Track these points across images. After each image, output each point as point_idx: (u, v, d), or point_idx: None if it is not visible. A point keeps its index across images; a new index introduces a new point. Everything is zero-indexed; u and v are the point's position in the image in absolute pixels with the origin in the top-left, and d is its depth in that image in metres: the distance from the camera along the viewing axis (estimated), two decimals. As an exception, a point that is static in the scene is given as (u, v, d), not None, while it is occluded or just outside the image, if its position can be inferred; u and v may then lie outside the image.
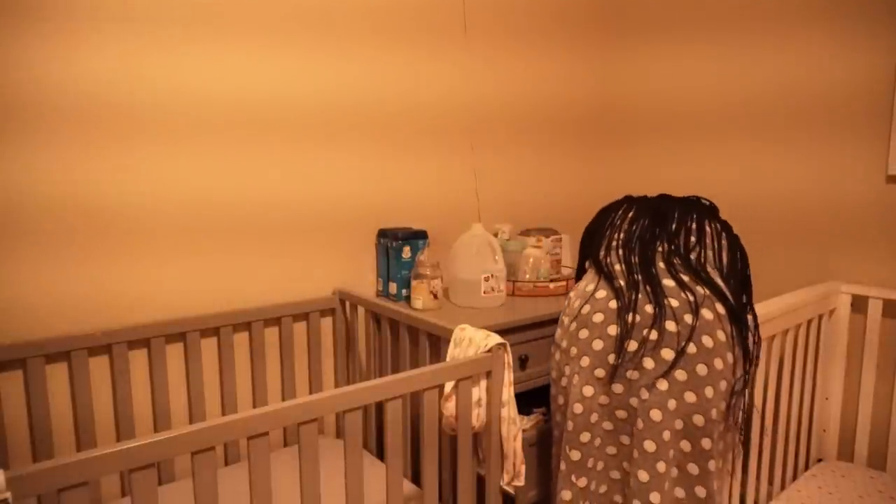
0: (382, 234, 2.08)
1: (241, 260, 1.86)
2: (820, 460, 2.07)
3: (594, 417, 1.47)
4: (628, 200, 1.82)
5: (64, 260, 1.59)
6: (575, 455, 1.47)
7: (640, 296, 1.49)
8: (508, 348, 1.47)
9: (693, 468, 1.41)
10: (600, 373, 1.46)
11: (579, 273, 1.82)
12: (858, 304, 2.00)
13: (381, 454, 1.99)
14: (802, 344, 1.90)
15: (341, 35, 1.98)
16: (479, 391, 1.48)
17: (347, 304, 2.04)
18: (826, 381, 2.05)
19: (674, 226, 1.67)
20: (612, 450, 1.48)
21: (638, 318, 1.46)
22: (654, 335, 1.43)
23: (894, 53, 1.89)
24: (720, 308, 1.48)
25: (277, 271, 1.93)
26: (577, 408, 1.47)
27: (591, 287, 1.58)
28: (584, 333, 1.50)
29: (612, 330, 1.46)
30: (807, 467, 2.04)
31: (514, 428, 1.48)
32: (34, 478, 0.90)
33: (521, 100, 2.48)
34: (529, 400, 2.05)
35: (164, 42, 1.67)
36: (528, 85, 2.49)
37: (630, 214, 1.75)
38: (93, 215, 1.62)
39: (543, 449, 1.80)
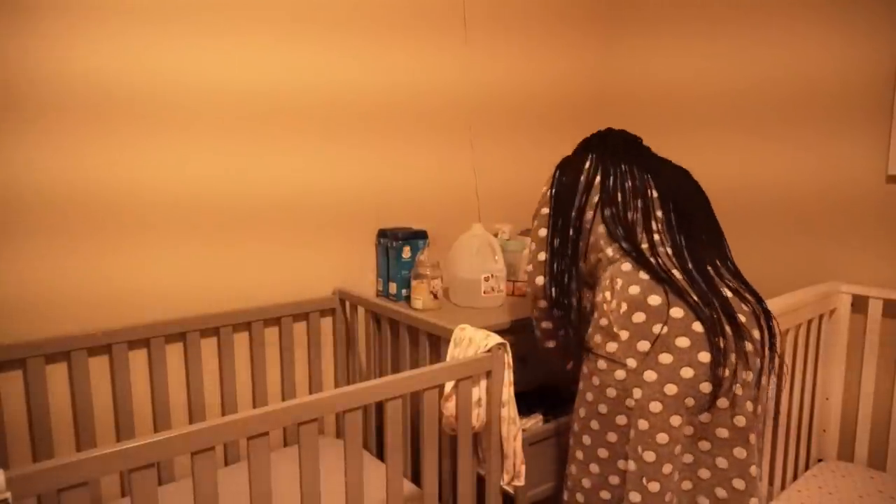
0: (382, 234, 2.08)
1: (241, 259, 1.86)
2: (820, 460, 2.07)
3: (678, 449, 1.34)
4: (602, 159, 1.56)
5: (62, 258, 1.59)
6: (654, 487, 1.33)
7: (716, 314, 1.35)
8: (508, 348, 1.47)
9: (754, 470, 1.36)
10: (690, 402, 1.32)
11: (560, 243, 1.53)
12: (858, 304, 2.00)
13: (381, 454, 1.99)
14: (802, 344, 1.90)
15: (342, 29, 1.98)
16: (478, 391, 1.47)
17: (347, 304, 2.04)
18: (826, 381, 2.04)
19: (701, 213, 1.51)
20: (687, 485, 1.37)
21: (723, 341, 1.33)
22: (737, 357, 1.33)
23: (895, 52, 1.88)
24: (758, 310, 1.41)
25: (277, 271, 1.93)
26: (663, 438, 1.32)
27: (656, 301, 1.36)
28: (666, 358, 1.33)
29: (704, 357, 1.31)
30: (807, 467, 2.04)
31: (514, 428, 1.47)
32: (34, 478, 0.90)
33: (521, 96, 2.47)
34: (529, 400, 2.05)
35: (164, 35, 1.67)
36: (527, 80, 2.48)
37: (629, 183, 1.52)
38: (92, 212, 1.62)
39: (543, 449, 1.80)
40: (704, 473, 1.35)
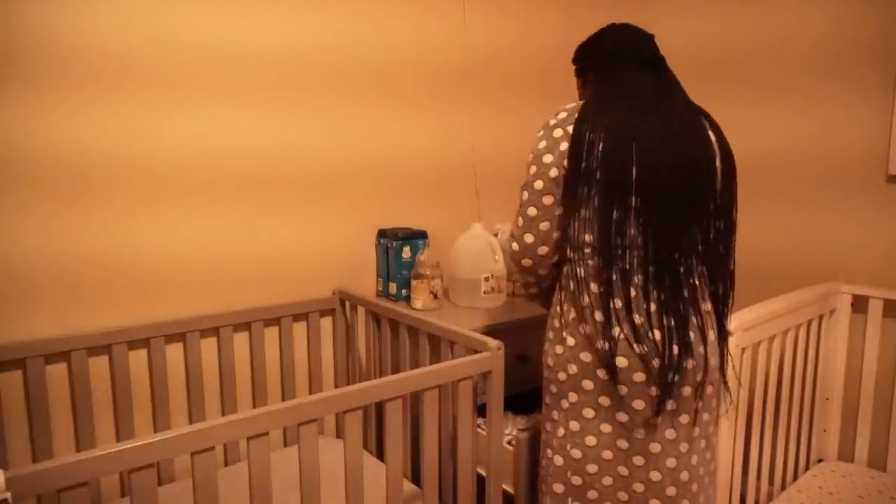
0: (382, 234, 2.08)
1: (241, 258, 1.86)
2: (820, 460, 2.07)
3: (607, 454, 1.36)
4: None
5: (58, 241, 1.59)
6: (577, 481, 1.34)
7: (664, 335, 1.33)
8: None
9: (685, 475, 1.39)
10: (623, 417, 1.34)
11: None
12: (858, 304, 2.00)
13: (381, 454, 1.99)
14: (802, 344, 1.90)
15: (343, 13, 1.98)
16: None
17: (347, 304, 2.04)
18: (826, 382, 2.04)
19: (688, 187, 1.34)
20: (622, 496, 1.35)
21: (666, 362, 1.33)
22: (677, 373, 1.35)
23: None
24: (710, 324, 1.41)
25: (277, 271, 1.93)
26: (591, 441, 1.34)
27: (602, 317, 1.32)
28: (602, 374, 1.34)
29: (639, 377, 1.32)
30: (807, 467, 2.04)
31: None
32: (34, 478, 0.90)
33: (521, 87, 2.47)
34: (529, 400, 2.05)
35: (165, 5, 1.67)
36: (527, 67, 2.48)
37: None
38: (87, 196, 1.62)
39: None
40: (639, 487, 1.34)
